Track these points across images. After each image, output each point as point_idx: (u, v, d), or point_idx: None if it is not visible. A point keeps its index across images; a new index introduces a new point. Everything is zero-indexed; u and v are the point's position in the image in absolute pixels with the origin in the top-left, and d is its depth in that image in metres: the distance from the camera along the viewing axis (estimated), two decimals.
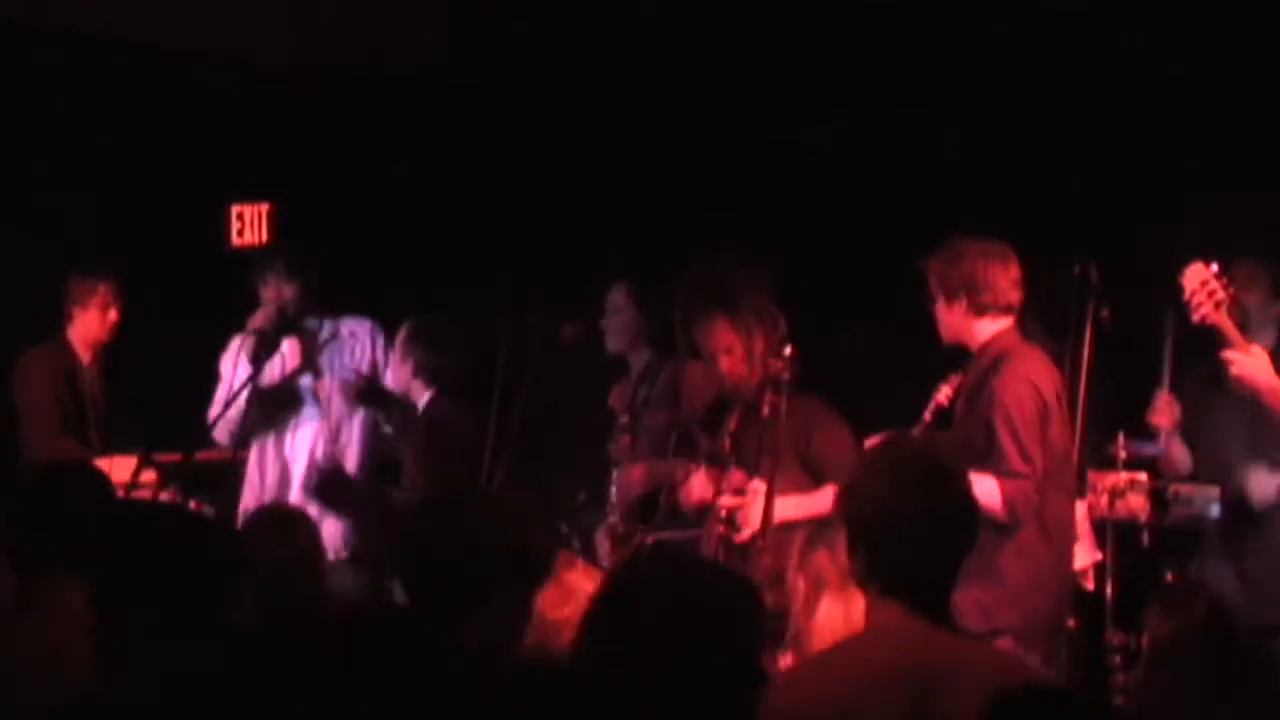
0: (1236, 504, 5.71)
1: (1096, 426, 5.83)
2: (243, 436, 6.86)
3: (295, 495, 6.92)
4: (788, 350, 5.55)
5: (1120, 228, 6.87)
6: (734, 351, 5.79)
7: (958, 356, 5.51)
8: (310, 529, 4.64)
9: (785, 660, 4.14)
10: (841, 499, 3.49)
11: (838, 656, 3.44)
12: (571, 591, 3.93)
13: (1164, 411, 5.84)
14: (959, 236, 5.48)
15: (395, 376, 6.93)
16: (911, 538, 3.35)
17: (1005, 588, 5.13)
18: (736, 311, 5.80)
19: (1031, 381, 5.29)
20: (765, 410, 5.51)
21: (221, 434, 6.87)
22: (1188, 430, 5.87)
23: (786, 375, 5.50)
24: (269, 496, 6.91)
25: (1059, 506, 5.34)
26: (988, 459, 5.16)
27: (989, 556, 5.03)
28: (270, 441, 7.06)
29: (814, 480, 5.67)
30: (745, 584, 3.04)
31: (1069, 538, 5.42)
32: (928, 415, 5.41)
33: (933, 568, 3.39)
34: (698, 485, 5.97)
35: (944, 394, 5.42)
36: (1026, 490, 5.16)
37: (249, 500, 6.96)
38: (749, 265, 5.93)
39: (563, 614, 3.83)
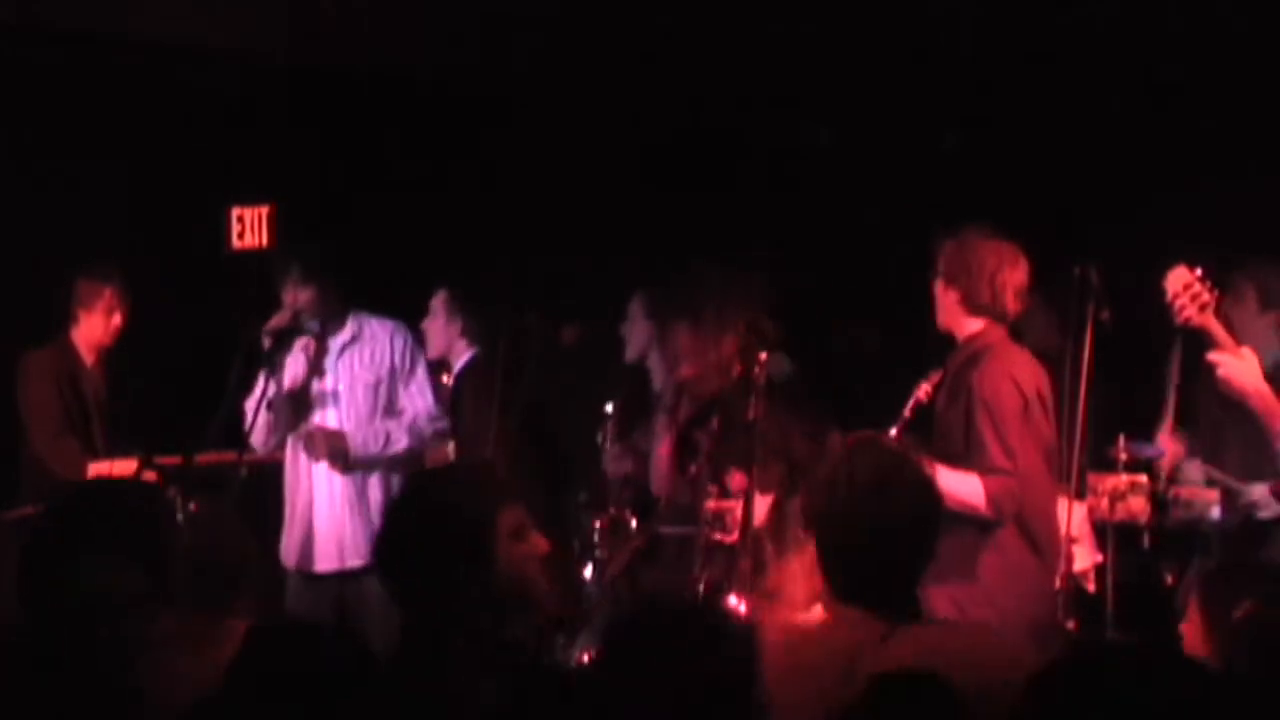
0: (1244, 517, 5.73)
1: (1096, 428, 5.83)
2: (278, 438, 6.85)
3: (325, 499, 6.89)
4: (762, 355, 5.53)
5: (1120, 228, 6.87)
6: (693, 358, 5.84)
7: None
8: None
9: None
10: (802, 502, 3.50)
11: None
12: None
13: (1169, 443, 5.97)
14: (975, 223, 5.42)
15: (438, 338, 7.24)
16: (864, 543, 3.35)
17: (980, 585, 5.07)
18: (699, 320, 5.82)
19: (1011, 376, 5.21)
20: (749, 414, 5.54)
21: (259, 441, 6.81)
22: (1206, 448, 5.93)
23: (761, 380, 5.49)
24: (304, 500, 6.85)
25: (1039, 505, 5.25)
26: (967, 455, 5.11)
27: (967, 554, 5.02)
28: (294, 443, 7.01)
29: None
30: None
31: (1051, 537, 5.29)
32: (907, 412, 5.38)
33: (890, 571, 3.38)
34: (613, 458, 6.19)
35: (924, 390, 5.38)
36: (1010, 486, 5.08)
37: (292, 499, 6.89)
38: (730, 271, 5.95)
39: None
